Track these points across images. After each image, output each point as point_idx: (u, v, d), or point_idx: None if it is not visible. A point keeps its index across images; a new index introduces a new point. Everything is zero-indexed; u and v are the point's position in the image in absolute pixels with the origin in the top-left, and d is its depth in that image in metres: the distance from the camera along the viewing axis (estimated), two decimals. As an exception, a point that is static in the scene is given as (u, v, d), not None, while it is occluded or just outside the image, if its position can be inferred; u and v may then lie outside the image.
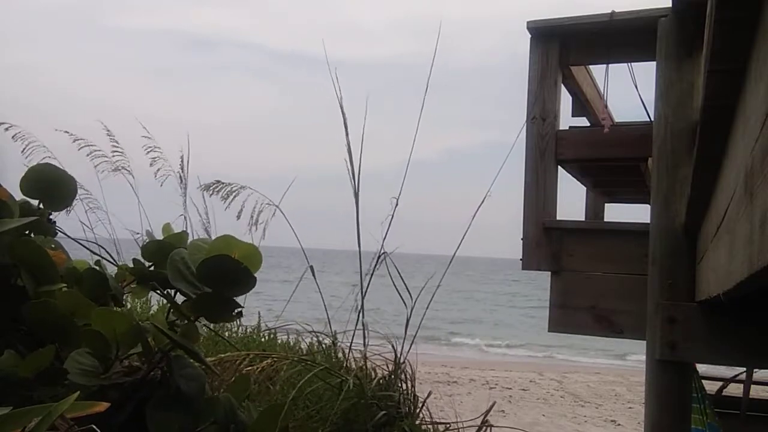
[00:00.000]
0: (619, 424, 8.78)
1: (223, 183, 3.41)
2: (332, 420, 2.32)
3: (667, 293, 2.36)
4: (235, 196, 3.34)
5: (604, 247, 2.90)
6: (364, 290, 2.88)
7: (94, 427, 0.97)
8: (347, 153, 2.89)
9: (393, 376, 2.60)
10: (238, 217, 3.32)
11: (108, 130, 4.13)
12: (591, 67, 3.43)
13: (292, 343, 3.32)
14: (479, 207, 3.05)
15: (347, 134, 2.91)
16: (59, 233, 1.53)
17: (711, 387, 4.03)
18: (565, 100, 3.28)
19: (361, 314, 2.82)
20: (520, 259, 3.03)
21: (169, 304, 1.42)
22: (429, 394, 2.71)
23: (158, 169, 4.17)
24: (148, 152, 4.19)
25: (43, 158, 3.84)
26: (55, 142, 4.05)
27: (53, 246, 1.41)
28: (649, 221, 2.51)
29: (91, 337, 1.24)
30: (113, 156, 4.09)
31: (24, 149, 3.85)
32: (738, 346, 2.20)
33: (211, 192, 3.45)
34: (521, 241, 3.02)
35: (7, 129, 3.91)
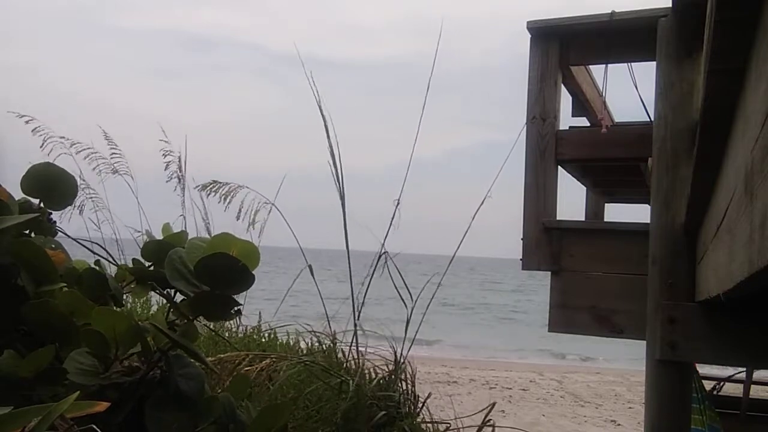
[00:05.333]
0: (619, 424, 8.78)
1: (219, 183, 3.42)
2: (332, 420, 2.32)
3: (667, 293, 2.35)
4: (233, 196, 3.34)
5: (604, 247, 2.90)
6: (363, 290, 2.88)
7: (94, 426, 0.97)
8: (330, 156, 2.91)
9: (393, 376, 2.60)
10: (238, 217, 3.32)
11: (105, 134, 4.15)
12: (591, 67, 3.43)
13: (291, 343, 3.32)
14: (479, 208, 3.05)
15: (328, 136, 2.93)
16: (59, 233, 1.53)
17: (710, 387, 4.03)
18: (565, 100, 3.28)
19: (360, 314, 2.82)
20: (520, 259, 3.03)
21: (168, 304, 1.42)
22: (429, 394, 2.71)
23: (171, 171, 4.19)
24: (164, 154, 4.22)
25: (59, 155, 3.89)
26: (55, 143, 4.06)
27: (53, 246, 1.41)
28: (649, 221, 2.51)
29: (90, 336, 1.24)
30: (111, 157, 4.11)
31: (42, 144, 3.88)
32: (738, 346, 2.20)
33: (208, 192, 3.46)
34: (521, 241, 3.02)
35: (27, 122, 3.94)
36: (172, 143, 4.33)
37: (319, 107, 2.97)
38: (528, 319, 24.91)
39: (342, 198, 2.91)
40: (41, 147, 3.87)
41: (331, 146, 2.91)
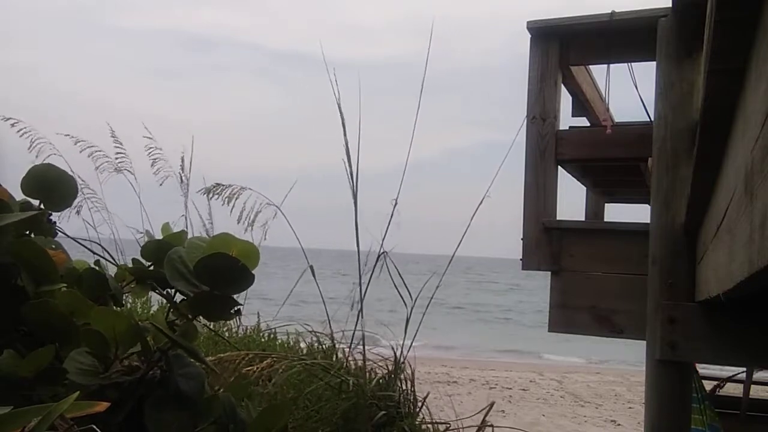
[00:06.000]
0: (619, 424, 8.78)
1: (222, 185, 3.42)
2: (332, 420, 2.32)
3: (667, 293, 2.35)
4: (236, 199, 3.35)
5: (604, 247, 2.90)
6: (363, 291, 2.88)
7: (93, 426, 0.97)
8: (345, 154, 2.90)
9: (392, 376, 2.60)
10: (239, 221, 3.33)
11: (113, 132, 4.15)
12: (591, 67, 3.43)
13: (291, 343, 3.32)
14: (478, 207, 3.05)
15: (345, 135, 2.92)
16: (59, 233, 1.53)
17: (711, 387, 4.03)
18: (565, 100, 3.28)
19: (360, 314, 2.82)
20: (520, 260, 3.03)
21: (168, 304, 1.42)
22: (428, 394, 2.71)
23: (158, 169, 4.19)
24: (150, 152, 4.21)
25: (48, 156, 3.87)
26: (57, 142, 4.06)
27: (53, 246, 1.41)
28: (649, 221, 2.51)
29: (90, 336, 1.24)
30: (116, 157, 4.11)
31: (30, 146, 3.87)
32: (738, 346, 2.20)
33: (211, 195, 3.47)
34: (521, 241, 3.02)
35: (13, 125, 3.92)
36: (172, 143, 4.35)
37: (338, 106, 2.96)
38: (527, 319, 24.91)
39: (354, 197, 2.90)
40: (29, 149, 3.86)
41: (347, 145, 2.90)
